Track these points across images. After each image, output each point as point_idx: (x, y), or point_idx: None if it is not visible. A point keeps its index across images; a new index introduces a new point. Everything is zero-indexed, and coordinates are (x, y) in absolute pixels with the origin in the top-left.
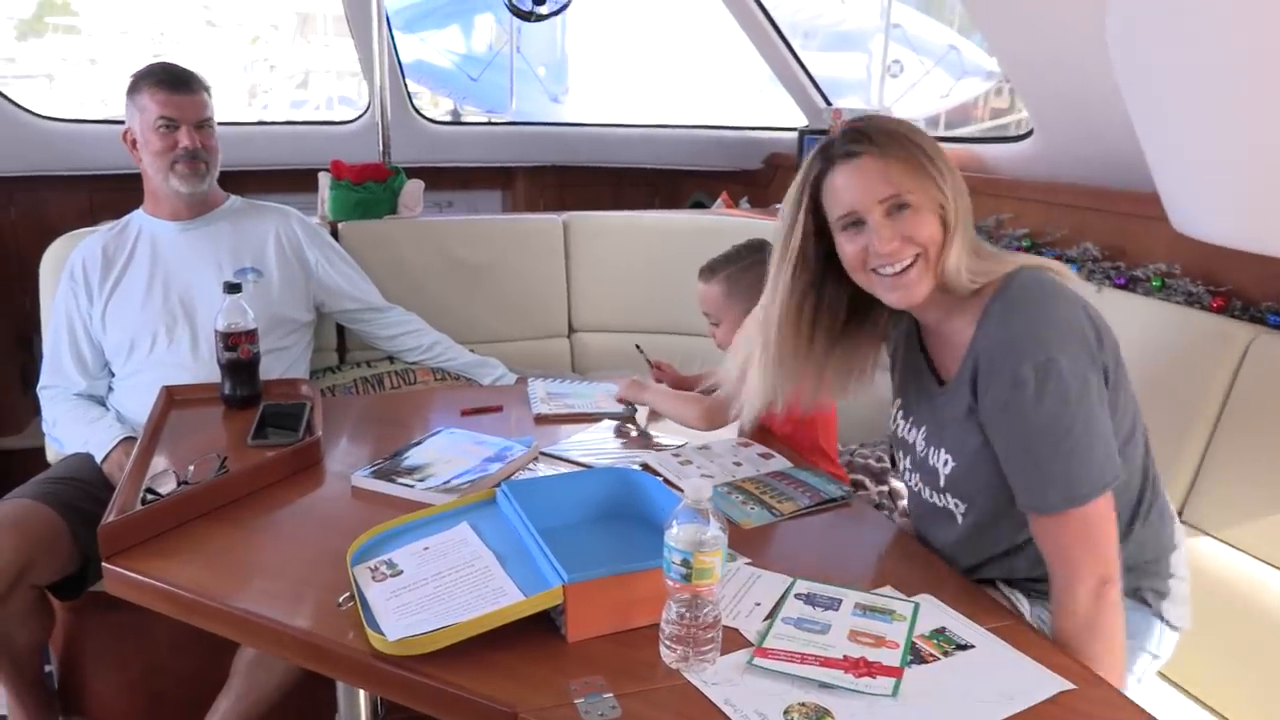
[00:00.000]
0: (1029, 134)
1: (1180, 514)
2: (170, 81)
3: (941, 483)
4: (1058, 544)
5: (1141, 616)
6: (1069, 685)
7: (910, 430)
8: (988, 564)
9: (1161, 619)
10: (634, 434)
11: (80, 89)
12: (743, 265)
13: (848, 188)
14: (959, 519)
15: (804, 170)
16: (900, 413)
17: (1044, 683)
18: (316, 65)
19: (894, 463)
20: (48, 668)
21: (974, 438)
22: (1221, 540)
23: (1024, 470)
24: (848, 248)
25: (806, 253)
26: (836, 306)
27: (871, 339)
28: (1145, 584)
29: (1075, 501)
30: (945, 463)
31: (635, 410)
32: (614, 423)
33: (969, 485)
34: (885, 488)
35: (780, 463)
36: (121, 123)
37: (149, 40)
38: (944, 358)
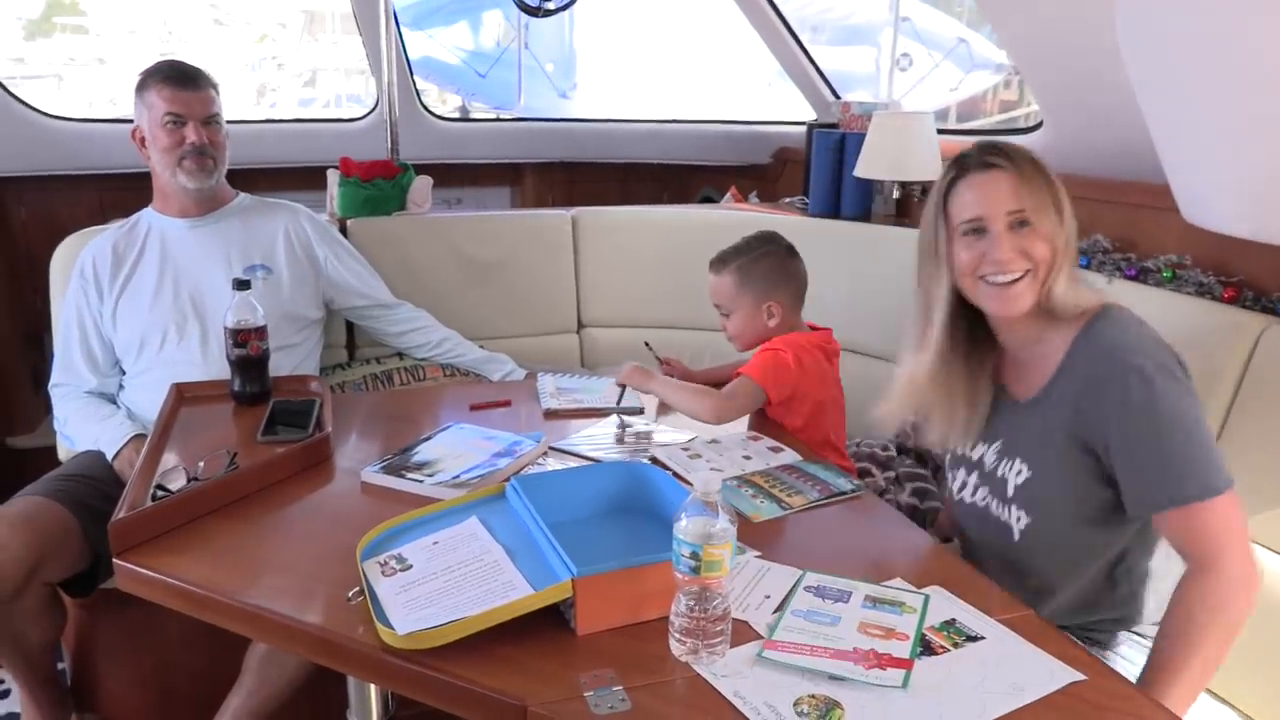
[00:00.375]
0: (1038, 126)
1: None
2: (177, 78)
3: (1010, 493)
4: (1199, 535)
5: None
6: (1080, 676)
7: (975, 447)
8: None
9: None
10: (626, 432)
11: (89, 89)
12: (754, 256)
13: (978, 197)
14: (1015, 534)
15: (938, 180)
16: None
17: (1055, 673)
18: (324, 63)
19: (919, 458)
20: (61, 665)
21: (1056, 449)
22: None
23: (1157, 465)
24: (964, 254)
25: (945, 260)
26: (955, 325)
27: (981, 373)
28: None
29: (1211, 490)
30: (1019, 473)
31: (643, 408)
32: (624, 416)
33: (1040, 495)
34: (892, 473)
35: (790, 456)
36: (131, 122)
37: (157, 39)
38: (1021, 377)
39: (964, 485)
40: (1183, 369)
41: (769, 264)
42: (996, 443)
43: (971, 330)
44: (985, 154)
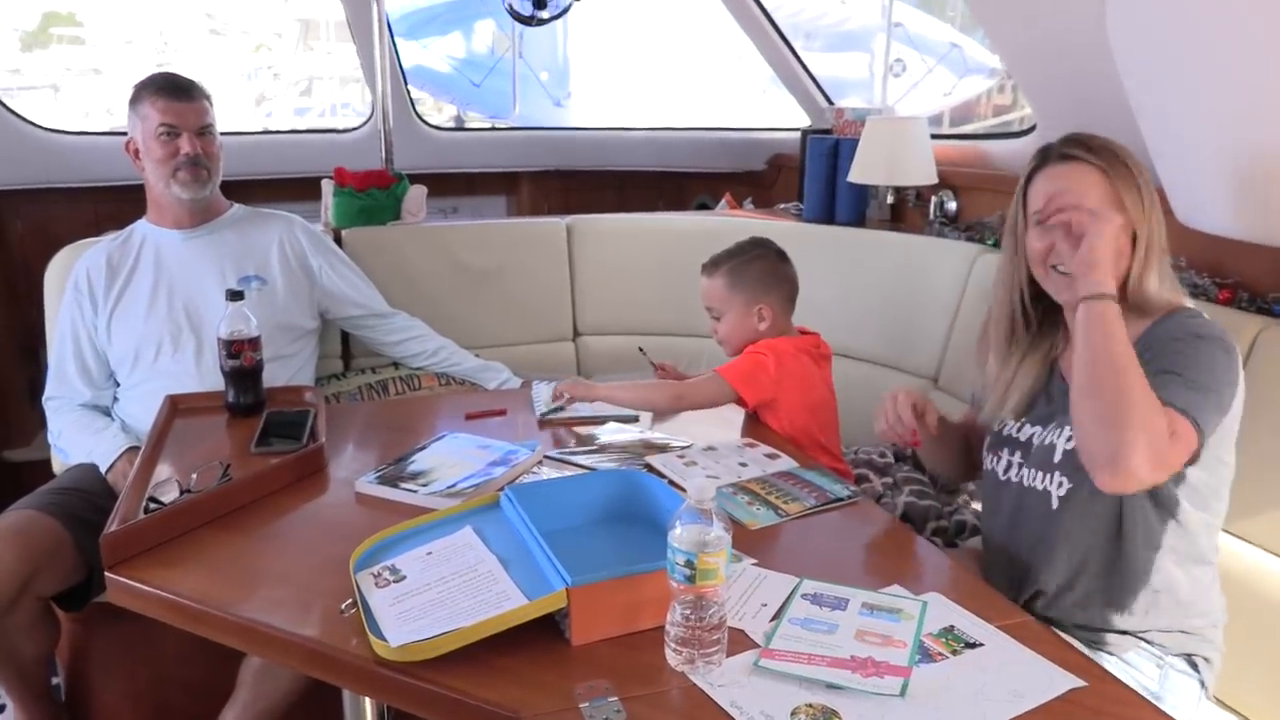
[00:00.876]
0: (1032, 129)
1: None
2: (171, 89)
3: (1057, 458)
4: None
5: (1189, 683)
6: (1080, 683)
7: (1023, 429)
8: (1064, 579)
9: (1204, 686)
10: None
11: (85, 99)
12: (746, 258)
13: (1051, 188)
14: (1054, 501)
15: (1025, 169)
16: (1013, 416)
17: (1055, 680)
18: (320, 72)
19: (903, 459)
20: (55, 680)
21: None
22: (1231, 533)
23: (1166, 376)
24: (1036, 243)
25: (1021, 247)
26: (1029, 313)
27: (1043, 361)
28: (1201, 651)
29: (1185, 410)
30: (1069, 439)
31: (638, 415)
32: (619, 424)
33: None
34: (890, 479)
35: (786, 463)
36: (125, 134)
37: (154, 50)
38: None
39: (1007, 465)
40: (1236, 369)
41: (760, 267)
42: (1049, 424)
43: (1044, 316)
44: (1066, 145)
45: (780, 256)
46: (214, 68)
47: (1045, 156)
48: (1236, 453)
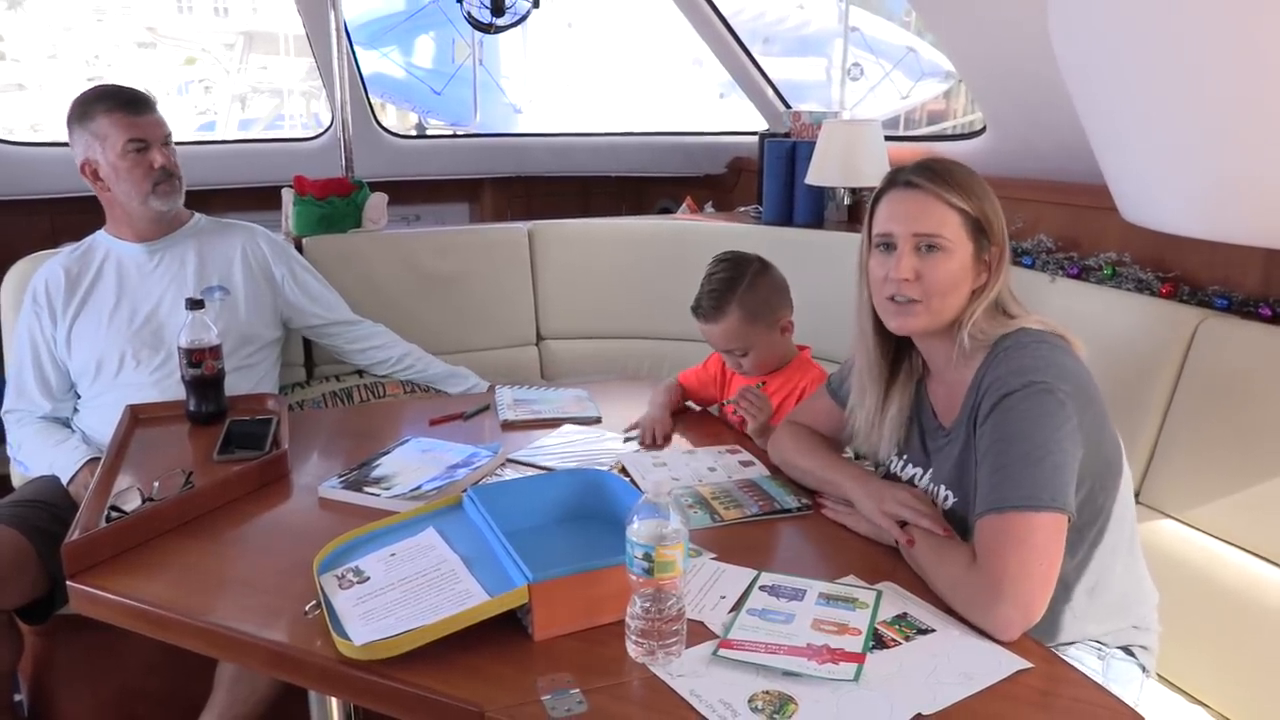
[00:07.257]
0: (982, 131)
1: (1138, 496)
2: (129, 103)
3: None
4: (996, 545)
5: (1130, 669)
6: (1026, 664)
7: (905, 468)
8: None
9: (1144, 670)
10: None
11: (9, 115)
12: (746, 284)
13: (893, 212)
14: None
15: (876, 189)
16: (895, 452)
17: (1003, 663)
18: (260, 85)
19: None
20: (18, 696)
21: (971, 474)
22: (1179, 520)
23: (993, 471)
24: (877, 271)
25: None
26: (882, 344)
27: (906, 388)
28: (1137, 640)
29: (1032, 503)
30: (946, 499)
31: (599, 416)
32: (580, 426)
33: (965, 521)
34: None
35: (757, 471)
36: (65, 145)
37: (83, 63)
38: (946, 402)
39: None
40: (1076, 390)
41: (763, 283)
42: (930, 470)
43: (899, 346)
44: (914, 172)
45: (762, 262)
46: (147, 82)
47: (893, 181)
48: (1178, 439)
